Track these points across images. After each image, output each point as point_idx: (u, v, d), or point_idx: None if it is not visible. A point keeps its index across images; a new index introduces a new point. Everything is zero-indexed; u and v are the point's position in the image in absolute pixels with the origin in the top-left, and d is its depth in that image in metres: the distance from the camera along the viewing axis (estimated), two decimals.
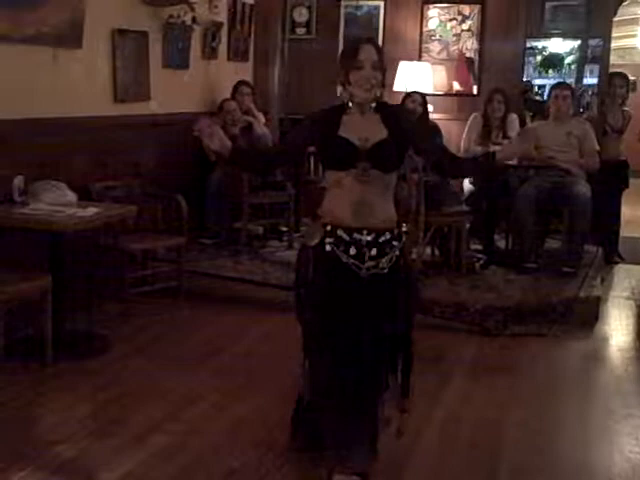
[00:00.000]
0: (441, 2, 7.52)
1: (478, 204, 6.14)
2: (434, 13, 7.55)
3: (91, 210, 4.27)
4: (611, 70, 7.26)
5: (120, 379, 4.00)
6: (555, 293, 5.34)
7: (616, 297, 5.94)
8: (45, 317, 4.06)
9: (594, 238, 6.37)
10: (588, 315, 5.22)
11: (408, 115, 3.15)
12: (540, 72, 7.66)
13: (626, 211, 7.05)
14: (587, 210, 5.77)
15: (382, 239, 2.93)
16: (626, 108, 6.95)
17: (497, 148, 5.74)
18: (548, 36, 7.42)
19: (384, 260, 2.94)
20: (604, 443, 3.54)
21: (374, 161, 2.87)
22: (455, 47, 7.52)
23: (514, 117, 6.43)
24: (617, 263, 6.82)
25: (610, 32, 7.24)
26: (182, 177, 6.03)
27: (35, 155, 4.50)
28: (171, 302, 5.15)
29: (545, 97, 7.17)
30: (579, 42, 7.32)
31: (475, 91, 7.48)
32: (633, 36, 11.28)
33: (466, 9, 7.45)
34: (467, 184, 6.47)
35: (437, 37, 7.56)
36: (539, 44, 7.50)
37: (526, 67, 7.50)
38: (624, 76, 7.03)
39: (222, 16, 6.80)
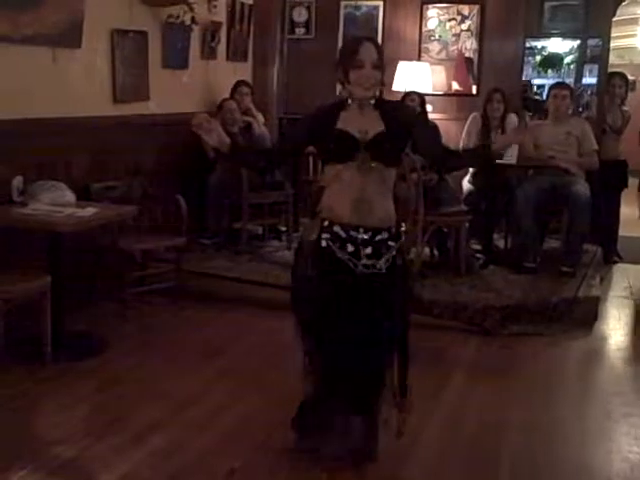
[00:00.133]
0: (440, 2, 7.52)
1: (477, 204, 6.14)
2: (433, 13, 7.55)
3: (90, 210, 4.27)
4: (610, 70, 7.26)
5: (119, 379, 3.99)
6: (554, 293, 5.35)
7: (615, 297, 5.94)
8: (44, 317, 4.06)
9: (593, 238, 6.38)
10: (587, 315, 5.22)
11: (407, 109, 3.16)
12: (539, 72, 7.67)
13: (625, 211, 7.05)
14: (586, 210, 5.78)
15: (378, 238, 2.95)
16: (625, 108, 6.95)
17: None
18: (547, 36, 7.42)
19: (381, 261, 2.96)
20: (603, 442, 3.54)
21: (373, 153, 2.89)
22: (454, 47, 7.52)
23: (513, 117, 6.44)
24: (616, 263, 6.83)
25: (609, 32, 7.24)
26: (181, 177, 6.03)
27: (34, 155, 4.51)
28: (170, 302, 5.15)
29: (544, 97, 7.16)
30: (578, 42, 7.33)
31: (474, 91, 7.48)
32: (632, 36, 11.28)
33: (465, 9, 7.45)
34: (466, 184, 6.47)
35: (436, 37, 7.56)
36: (538, 44, 7.51)
37: (525, 67, 7.50)
38: (623, 76, 7.03)
39: (221, 16, 6.80)
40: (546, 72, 7.61)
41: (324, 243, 2.96)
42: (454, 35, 7.50)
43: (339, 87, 3.00)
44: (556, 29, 7.32)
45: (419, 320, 4.79)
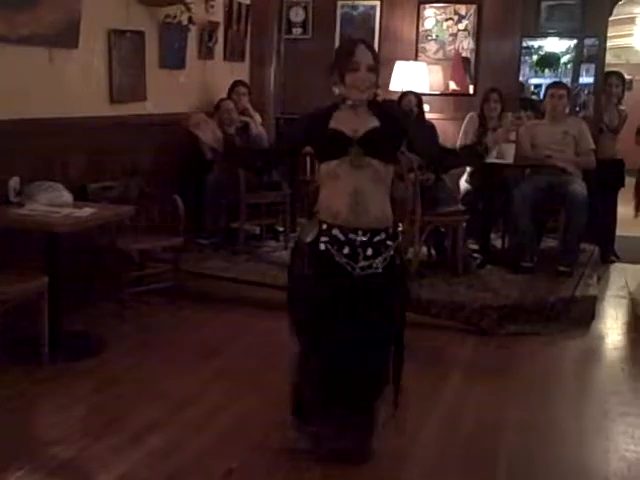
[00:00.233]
0: (437, 2, 7.52)
1: (474, 203, 6.15)
2: (430, 13, 7.55)
3: (87, 210, 4.26)
4: (607, 69, 7.26)
5: (117, 379, 3.99)
6: (551, 292, 5.35)
7: (612, 296, 5.95)
8: (41, 317, 4.06)
9: (590, 237, 6.38)
10: (584, 314, 5.23)
11: (401, 108, 3.22)
12: (536, 71, 7.67)
13: (622, 210, 7.06)
14: (583, 209, 5.78)
15: (377, 239, 2.97)
16: (622, 107, 6.96)
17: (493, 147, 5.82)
18: (544, 35, 7.43)
19: (378, 260, 2.98)
20: (600, 441, 3.55)
21: (366, 148, 2.92)
22: (451, 47, 7.52)
23: (510, 116, 6.42)
24: (613, 262, 6.84)
25: (606, 31, 7.25)
26: (179, 177, 6.04)
27: (31, 156, 4.50)
28: (168, 302, 5.16)
29: (541, 96, 7.17)
30: (575, 41, 7.33)
31: (471, 91, 7.48)
32: (629, 35, 11.30)
33: (462, 9, 7.45)
34: (463, 183, 6.48)
35: (433, 37, 7.56)
36: (535, 43, 7.51)
37: (522, 66, 7.50)
38: (620, 75, 7.04)
39: (218, 16, 6.80)
40: (543, 72, 7.62)
41: (323, 246, 2.97)
42: (451, 35, 7.51)
43: (336, 89, 3.02)
44: (553, 29, 7.33)
45: (416, 319, 4.81)
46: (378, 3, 7.65)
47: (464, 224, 5.74)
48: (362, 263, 2.96)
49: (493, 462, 3.26)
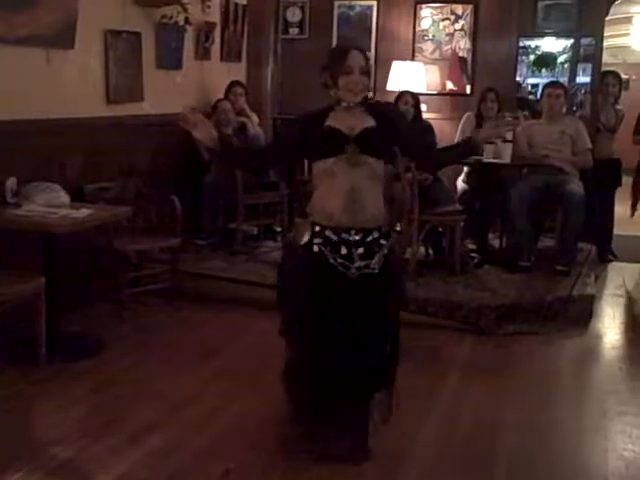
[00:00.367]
0: (434, 2, 7.52)
1: (472, 203, 6.15)
2: (427, 13, 7.55)
3: (84, 211, 4.26)
4: (604, 69, 7.27)
5: (115, 380, 3.99)
6: (549, 291, 5.35)
7: (610, 295, 5.96)
8: (39, 318, 4.05)
9: (588, 236, 6.38)
10: (582, 313, 5.23)
11: (394, 109, 3.28)
12: (533, 71, 7.67)
13: (619, 209, 7.07)
14: (580, 208, 5.79)
15: (370, 238, 3.01)
16: (619, 106, 6.97)
17: (490, 147, 5.85)
18: (541, 35, 7.42)
19: (374, 261, 3.00)
20: (598, 441, 3.55)
21: (362, 146, 2.98)
22: (448, 47, 7.53)
23: (507, 116, 6.42)
24: (611, 261, 6.85)
25: (602, 31, 7.25)
26: (176, 178, 6.04)
27: (28, 156, 4.50)
28: (166, 303, 5.15)
29: (538, 96, 7.18)
30: (572, 41, 7.33)
31: (468, 90, 7.48)
32: (626, 35, 11.31)
33: (459, 9, 7.45)
34: (461, 183, 6.48)
35: (430, 37, 7.57)
36: (532, 43, 7.51)
37: (519, 66, 7.50)
38: (617, 74, 7.06)
39: (215, 16, 6.80)
40: (540, 71, 7.61)
41: (316, 248, 3.01)
42: (448, 35, 7.51)
43: (332, 91, 3.06)
44: (549, 28, 7.33)
45: (414, 319, 4.84)
46: (375, 3, 7.66)
47: (462, 224, 5.73)
48: (358, 263, 2.99)
49: (492, 462, 3.26)
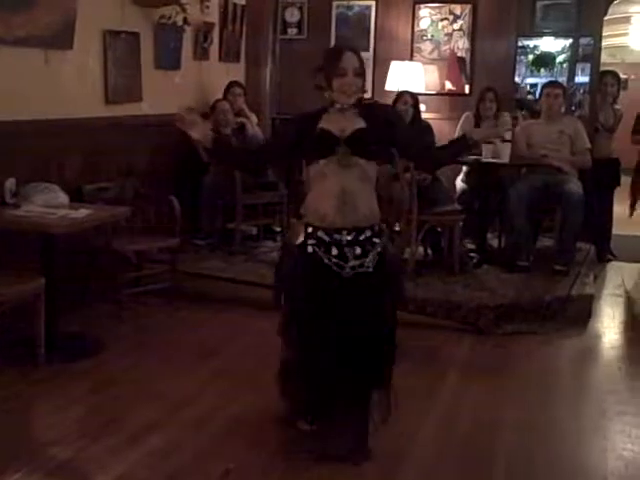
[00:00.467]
0: (432, 2, 7.52)
1: (470, 203, 6.16)
2: (425, 13, 7.55)
3: (83, 212, 4.26)
4: (602, 68, 7.27)
5: (114, 380, 3.99)
6: (548, 291, 5.36)
7: (609, 295, 5.96)
8: (38, 319, 4.05)
9: (586, 236, 6.39)
10: (581, 313, 5.23)
11: (388, 109, 3.28)
12: (532, 71, 7.67)
13: (618, 209, 7.07)
14: (579, 208, 5.79)
15: (362, 237, 3.02)
16: (617, 106, 6.97)
17: (489, 147, 5.86)
18: (539, 35, 7.42)
19: (368, 259, 3.02)
20: (598, 440, 3.55)
21: (353, 147, 2.99)
22: (447, 47, 7.53)
23: (506, 115, 6.44)
24: (609, 261, 6.85)
25: (601, 31, 7.26)
26: (175, 178, 6.03)
27: (27, 157, 4.50)
28: (165, 303, 5.15)
29: (537, 96, 7.18)
30: (570, 41, 7.33)
31: (467, 90, 7.49)
32: (624, 34, 11.31)
33: (457, 9, 7.45)
34: (459, 183, 6.48)
35: (428, 37, 7.56)
36: (530, 43, 7.51)
37: (518, 66, 7.50)
38: (615, 74, 7.06)
39: (213, 17, 6.80)
40: (539, 71, 7.61)
41: (310, 249, 3.03)
42: (446, 35, 7.51)
43: (326, 93, 3.09)
44: (548, 28, 7.33)
45: (413, 319, 4.84)
46: (373, 3, 7.66)
47: (460, 223, 5.74)
48: (352, 263, 3.01)
49: (491, 461, 3.26)
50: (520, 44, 7.46)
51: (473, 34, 7.43)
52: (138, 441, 3.31)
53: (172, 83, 6.17)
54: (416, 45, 7.59)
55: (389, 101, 6.22)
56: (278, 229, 6.66)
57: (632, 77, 12.36)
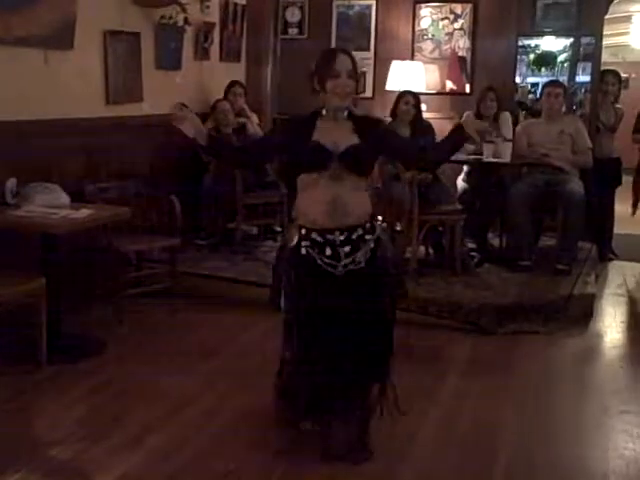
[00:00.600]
0: (433, 1, 7.51)
1: (472, 202, 6.15)
2: (426, 12, 7.54)
3: (84, 212, 4.26)
4: (603, 68, 7.26)
5: (115, 380, 3.99)
6: (549, 291, 5.36)
7: (610, 294, 5.96)
8: (39, 319, 4.04)
9: (588, 235, 6.38)
10: (583, 312, 5.23)
11: (378, 123, 3.30)
12: (533, 70, 7.66)
13: (619, 208, 7.06)
14: (580, 207, 5.78)
15: (355, 235, 3.05)
16: (618, 105, 6.97)
17: (490, 146, 5.86)
18: (540, 34, 7.41)
19: (359, 254, 3.05)
20: (599, 440, 3.55)
21: (346, 164, 3.02)
22: (447, 46, 7.52)
23: (507, 115, 6.44)
24: (611, 260, 6.85)
25: (602, 30, 7.24)
26: (176, 178, 6.02)
27: (27, 157, 4.49)
28: (166, 303, 5.14)
29: (538, 95, 7.18)
30: (571, 40, 7.32)
31: (468, 90, 7.48)
32: (625, 34, 11.30)
33: (458, 8, 7.44)
34: (460, 182, 6.48)
35: (429, 36, 7.55)
36: (531, 42, 7.49)
37: (519, 65, 7.49)
38: (616, 73, 7.05)
39: (214, 16, 6.80)
40: (540, 70, 7.60)
41: (304, 251, 3.05)
42: (447, 34, 7.50)
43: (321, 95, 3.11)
44: (549, 27, 7.32)
45: (415, 319, 4.84)
46: (374, 3, 7.65)
47: (462, 223, 5.72)
48: (344, 261, 3.03)
49: (492, 461, 3.25)
50: (521, 43, 7.45)
51: (474, 33, 7.42)
52: (139, 441, 3.31)
53: (173, 83, 6.17)
54: (417, 44, 7.58)
55: (390, 101, 6.22)
56: (279, 229, 6.65)
57: (633, 76, 12.35)
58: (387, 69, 7.35)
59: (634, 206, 7.03)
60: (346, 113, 3.10)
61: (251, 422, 3.50)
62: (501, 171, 6.22)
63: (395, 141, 3.35)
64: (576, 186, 5.87)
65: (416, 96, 6.15)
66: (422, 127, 5.95)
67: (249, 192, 6.19)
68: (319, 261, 3.02)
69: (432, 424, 3.61)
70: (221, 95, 6.64)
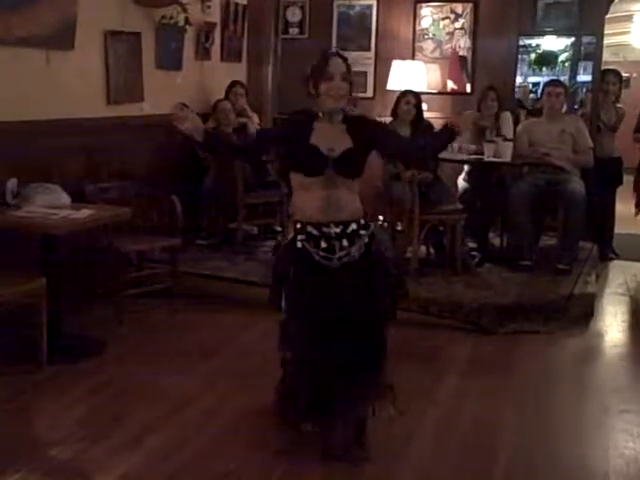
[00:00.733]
0: (434, 0, 7.51)
1: (472, 202, 6.14)
2: (427, 12, 7.54)
3: (85, 212, 4.26)
4: (604, 67, 7.26)
5: (115, 380, 3.99)
6: (550, 290, 5.36)
7: (611, 293, 5.96)
8: (40, 319, 4.05)
9: (589, 235, 6.37)
10: (583, 312, 5.23)
11: (371, 123, 3.33)
12: (534, 70, 7.65)
13: (620, 208, 7.06)
14: (581, 207, 5.78)
15: (350, 230, 3.10)
16: (619, 105, 6.96)
17: (491, 145, 5.86)
18: (541, 34, 7.41)
19: (354, 249, 3.10)
20: (599, 439, 3.55)
21: (340, 169, 3.08)
22: (448, 45, 7.52)
23: (507, 115, 6.44)
24: (612, 260, 6.85)
25: (602, 29, 7.23)
26: (176, 178, 6.02)
27: (28, 157, 4.50)
28: (166, 303, 5.14)
29: (539, 95, 7.17)
30: (572, 39, 7.31)
31: (469, 89, 7.47)
32: (626, 33, 11.28)
33: (459, 7, 7.44)
34: (461, 182, 6.47)
35: (430, 36, 7.56)
36: (532, 42, 7.49)
37: (520, 65, 7.48)
38: (617, 73, 7.04)
39: (215, 16, 6.80)
40: (541, 70, 7.60)
41: (299, 244, 3.10)
42: (448, 34, 7.50)
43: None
44: (550, 27, 7.31)
45: (416, 318, 4.84)
46: (375, 2, 7.66)
47: (462, 222, 5.72)
48: (339, 254, 3.08)
49: (491, 461, 3.25)
50: (522, 43, 7.44)
51: (475, 33, 7.42)
52: (139, 441, 3.31)
53: (173, 83, 6.17)
54: (417, 44, 7.59)
55: (391, 100, 6.22)
56: (279, 228, 6.65)
57: (634, 75, 12.35)
58: (388, 69, 7.35)
59: (637, 206, 7.02)
60: (341, 116, 3.14)
61: (251, 422, 3.50)
62: (502, 171, 6.22)
63: (393, 139, 3.38)
64: (577, 186, 5.86)
65: (417, 96, 6.14)
66: (423, 127, 5.94)
67: (250, 192, 6.18)
68: (315, 255, 3.07)
69: (432, 424, 3.61)
70: (222, 95, 6.64)
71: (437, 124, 6.31)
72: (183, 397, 3.78)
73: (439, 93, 7.53)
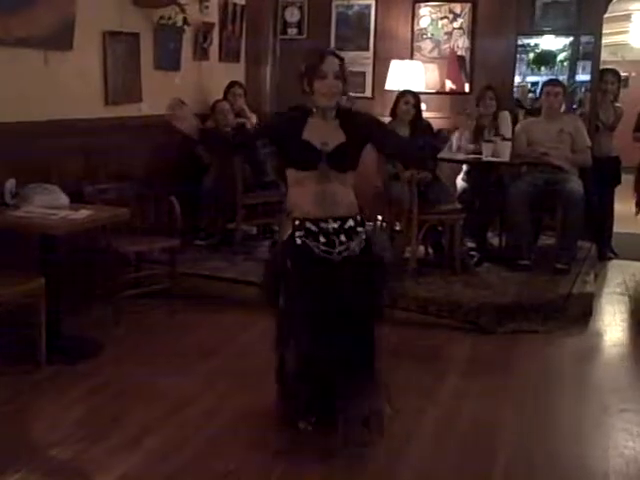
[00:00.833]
0: (432, 0, 7.51)
1: (471, 201, 6.14)
2: (425, 11, 7.53)
3: (83, 213, 4.26)
4: (603, 66, 7.26)
5: (114, 381, 3.99)
6: (549, 290, 5.36)
7: (610, 293, 5.96)
8: (38, 320, 4.05)
9: (587, 234, 6.38)
10: (582, 311, 5.23)
11: (364, 117, 3.35)
12: (533, 69, 7.65)
13: (619, 207, 7.06)
14: (580, 206, 5.79)
15: (347, 225, 3.16)
16: (618, 104, 6.96)
17: (489, 145, 5.86)
18: (539, 33, 7.40)
19: (353, 244, 3.15)
20: (599, 438, 3.55)
21: (333, 163, 3.12)
22: (447, 45, 7.50)
23: (506, 114, 6.44)
24: (610, 259, 6.85)
25: (601, 29, 7.22)
26: (175, 178, 6.02)
27: (27, 158, 4.50)
28: (165, 304, 5.14)
29: (537, 94, 7.17)
30: (571, 39, 7.31)
31: (467, 89, 7.47)
32: (624, 32, 11.29)
33: (457, 7, 7.43)
34: (460, 181, 6.47)
35: (428, 35, 7.54)
36: (531, 41, 7.49)
37: (519, 64, 7.48)
38: (615, 72, 7.05)
39: (213, 17, 6.80)
40: (539, 69, 7.59)
41: (299, 241, 3.13)
42: (446, 33, 7.49)
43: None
44: (548, 26, 7.31)
45: (414, 318, 4.85)
46: (373, 2, 7.64)
47: (461, 222, 5.73)
48: (339, 248, 3.12)
49: (491, 460, 3.25)
50: (520, 42, 7.44)
51: (473, 32, 7.41)
52: (138, 442, 3.31)
53: (172, 84, 6.16)
54: (416, 44, 7.57)
55: (390, 100, 6.22)
56: (277, 228, 6.65)
57: (633, 75, 12.36)
58: (386, 69, 7.35)
59: (637, 205, 7.03)
60: (334, 112, 3.18)
61: (251, 422, 3.50)
62: (500, 170, 6.22)
63: (392, 138, 3.43)
64: (575, 185, 5.87)
65: (416, 96, 6.14)
66: (422, 127, 5.94)
67: (249, 192, 6.18)
68: (315, 249, 3.10)
69: (431, 423, 3.61)
70: (220, 95, 6.64)
71: (436, 124, 6.34)
72: (182, 397, 3.78)
73: (437, 93, 7.52)
